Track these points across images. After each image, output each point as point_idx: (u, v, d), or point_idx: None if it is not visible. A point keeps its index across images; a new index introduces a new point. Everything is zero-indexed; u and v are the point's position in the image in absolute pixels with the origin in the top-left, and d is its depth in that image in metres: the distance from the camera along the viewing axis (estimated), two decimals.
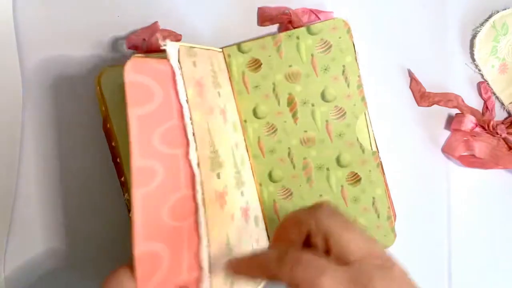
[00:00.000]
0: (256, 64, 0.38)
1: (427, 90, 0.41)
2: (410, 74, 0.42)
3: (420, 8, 0.42)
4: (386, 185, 0.39)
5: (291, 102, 0.38)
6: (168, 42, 0.29)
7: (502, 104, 0.43)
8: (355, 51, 0.37)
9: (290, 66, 0.38)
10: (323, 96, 0.38)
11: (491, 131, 0.41)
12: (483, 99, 0.42)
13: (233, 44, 0.38)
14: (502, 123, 0.42)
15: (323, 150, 0.38)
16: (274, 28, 0.40)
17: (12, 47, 0.35)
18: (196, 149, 0.29)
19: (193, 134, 0.29)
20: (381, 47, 0.41)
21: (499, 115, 0.43)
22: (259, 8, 0.39)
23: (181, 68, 0.29)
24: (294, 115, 0.38)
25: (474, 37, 0.42)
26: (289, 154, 0.38)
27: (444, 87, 0.42)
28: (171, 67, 0.29)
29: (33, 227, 0.36)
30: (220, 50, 0.38)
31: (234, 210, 0.32)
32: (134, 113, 0.25)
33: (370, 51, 0.39)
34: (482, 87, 0.42)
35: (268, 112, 0.38)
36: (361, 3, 0.41)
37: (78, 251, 0.39)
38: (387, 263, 0.25)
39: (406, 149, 0.42)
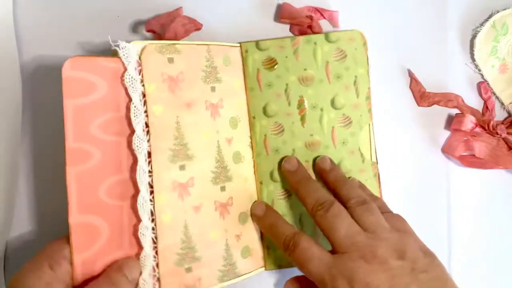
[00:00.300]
0: (272, 63, 0.38)
1: (427, 90, 0.42)
2: (410, 74, 0.42)
3: (420, 8, 0.42)
4: (381, 194, 0.39)
5: (301, 105, 0.38)
6: (122, 43, 0.31)
7: (502, 104, 0.43)
8: (368, 64, 0.38)
9: (304, 69, 0.38)
10: (332, 103, 0.38)
11: (491, 131, 0.41)
12: (483, 99, 0.42)
13: (252, 41, 0.38)
14: (502, 123, 0.42)
15: None
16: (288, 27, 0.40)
17: (12, 47, 0.35)
18: (149, 139, 0.31)
19: (146, 125, 0.31)
20: (381, 47, 0.41)
21: (499, 115, 0.43)
22: (283, 3, 0.39)
23: (141, 65, 0.32)
24: (302, 118, 0.38)
25: (474, 37, 0.42)
26: (292, 155, 0.38)
27: (444, 87, 0.42)
28: (122, 64, 0.31)
29: (34, 226, 0.35)
30: (237, 44, 0.38)
31: (201, 202, 0.34)
32: (70, 104, 0.29)
33: (370, 51, 0.39)
34: (482, 87, 0.42)
35: (278, 111, 0.38)
36: (361, 3, 0.41)
37: None
38: (367, 255, 0.30)
39: (406, 149, 0.42)
